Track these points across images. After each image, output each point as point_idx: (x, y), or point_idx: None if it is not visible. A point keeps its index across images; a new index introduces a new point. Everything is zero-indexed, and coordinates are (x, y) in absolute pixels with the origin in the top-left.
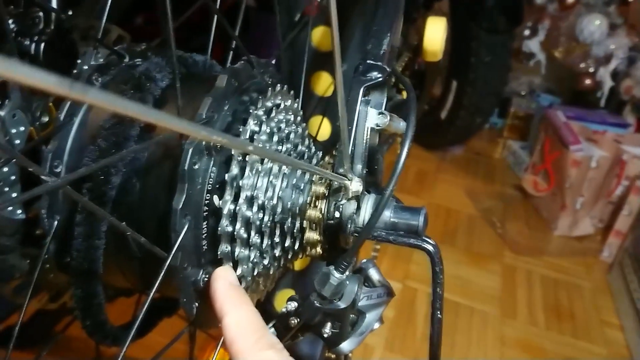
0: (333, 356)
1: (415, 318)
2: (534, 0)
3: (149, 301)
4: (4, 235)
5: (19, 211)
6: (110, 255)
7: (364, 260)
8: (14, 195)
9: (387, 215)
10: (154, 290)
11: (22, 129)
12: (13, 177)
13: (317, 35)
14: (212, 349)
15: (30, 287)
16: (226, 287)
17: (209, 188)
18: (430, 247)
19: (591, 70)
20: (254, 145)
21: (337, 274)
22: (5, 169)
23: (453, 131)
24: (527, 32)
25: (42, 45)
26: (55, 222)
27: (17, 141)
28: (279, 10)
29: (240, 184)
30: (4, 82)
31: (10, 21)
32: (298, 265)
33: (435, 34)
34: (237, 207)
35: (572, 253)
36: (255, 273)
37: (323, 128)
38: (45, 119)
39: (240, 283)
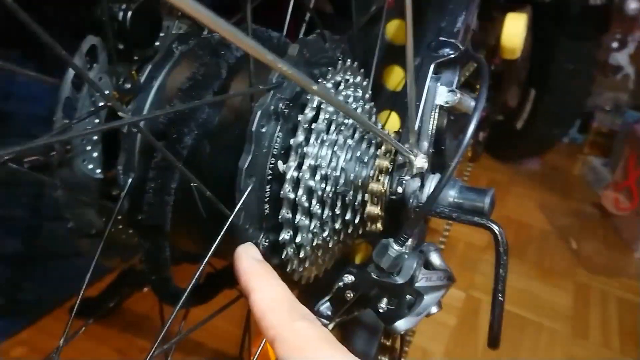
0: (388, 343)
1: (477, 328)
2: (625, 9)
3: (208, 257)
4: (83, 192)
5: (98, 170)
6: (179, 216)
7: (426, 243)
8: (95, 155)
9: (452, 194)
10: (214, 246)
11: (106, 92)
12: (95, 137)
13: (392, 28)
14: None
15: (102, 240)
16: (251, 263)
17: (275, 153)
18: (495, 227)
19: None
20: (331, 94)
21: (396, 246)
22: (89, 128)
23: (529, 142)
24: (615, 44)
25: (130, 13)
26: (130, 180)
27: (101, 103)
28: (356, 4)
29: (305, 152)
30: (94, 46)
31: None
32: (359, 259)
33: (514, 30)
34: (300, 174)
35: None
36: (314, 244)
37: (392, 122)
38: (128, 85)
39: (299, 252)
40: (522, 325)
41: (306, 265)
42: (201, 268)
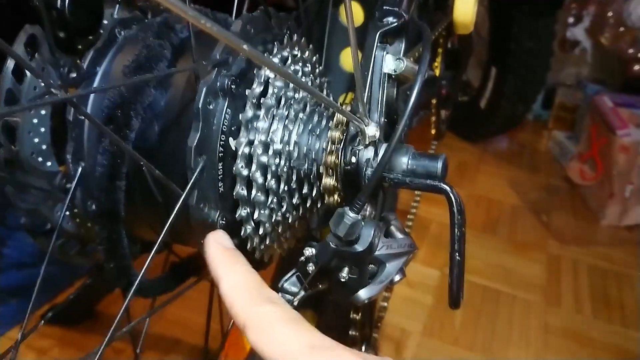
0: (358, 317)
1: None
2: None
3: (161, 237)
4: (35, 186)
5: (49, 163)
6: (135, 204)
7: (386, 212)
8: (44, 147)
9: (405, 161)
10: (167, 226)
11: (50, 82)
12: (43, 129)
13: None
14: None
15: (54, 233)
16: (219, 251)
17: (224, 130)
18: (446, 188)
19: None
20: (281, 67)
21: (351, 214)
22: (35, 120)
23: (494, 121)
24: (571, 20)
25: (68, 0)
26: (80, 168)
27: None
28: None
29: (256, 127)
30: (34, 35)
31: None
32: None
33: (465, 4)
34: (252, 150)
35: (622, 243)
36: (273, 220)
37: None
38: (74, 75)
39: (258, 229)
40: (497, 298)
41: (267, 242)
42: (154, 250)
